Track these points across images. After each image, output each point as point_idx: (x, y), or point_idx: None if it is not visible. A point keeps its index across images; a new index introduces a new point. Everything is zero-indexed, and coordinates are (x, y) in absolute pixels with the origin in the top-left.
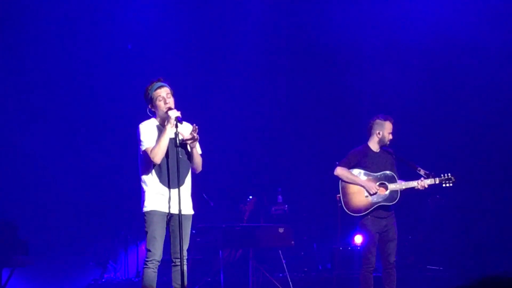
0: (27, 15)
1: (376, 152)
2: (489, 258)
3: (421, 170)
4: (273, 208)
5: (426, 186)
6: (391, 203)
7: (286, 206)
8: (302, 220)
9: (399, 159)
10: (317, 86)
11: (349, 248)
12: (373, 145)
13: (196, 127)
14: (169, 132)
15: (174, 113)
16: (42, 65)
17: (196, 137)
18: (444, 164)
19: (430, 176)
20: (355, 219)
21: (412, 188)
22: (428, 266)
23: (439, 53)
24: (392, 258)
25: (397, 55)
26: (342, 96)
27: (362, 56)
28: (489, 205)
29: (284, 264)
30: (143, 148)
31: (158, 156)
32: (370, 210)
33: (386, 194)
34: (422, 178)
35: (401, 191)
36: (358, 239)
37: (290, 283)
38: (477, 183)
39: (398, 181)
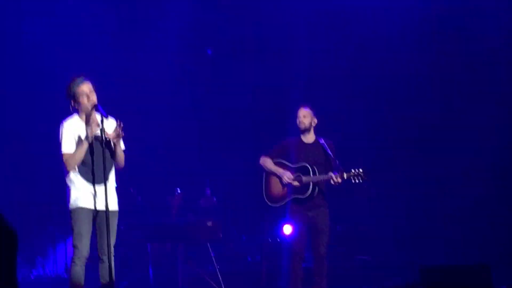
0: None
1: (306, 144)
2: (416, 247)
3: (337, 164)
4: (201, 201)
5: (338, 181)
6: (303, 196)
7: (215, 198)
8: (230, 212)
9: (332, 151)
10: (242, 75)
11: (278, 239)
12: (304, 136)
13: (122, 124)
14: (86, 146)
15: (95, 127)
16: None
17: (120, 134)
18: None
19: (342, 171)
20: (284, 210)
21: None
22: (356, 256)
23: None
24: (322, 250)
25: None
26: (269, 85)
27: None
28: (414, 193)
29: (213, 257)
30: (62, 151)
31: (71, 166)
32: (285, 201)
33: (299, 187)
34: (331, 173)
35: (316, 184)
36: (287, 229)
37: (220, 276)
38: (402, 172)
39: (312, 175)
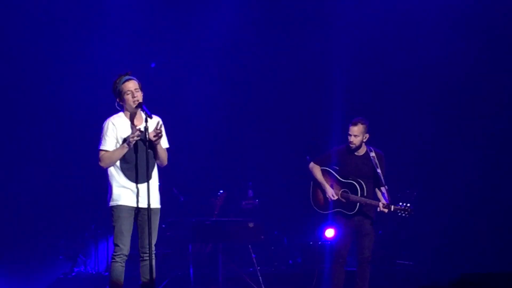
0: None
1: (356, 156)
2: (460, 253)
3: (385, 191)
4: (243, 203)
5: (384, 211)
6: (349, 213)
7: (257, 200)
8: (272, 215)
9: (381, 164)
10: (289, 80)
11: (320, 242)
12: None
13: (160, 123)
14: (125, 150)
15: (137, 134)
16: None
17: (160, 135)
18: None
19: (388, 204)
20: (327, 214)
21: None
22: (398, 261)
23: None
24: (367, 253)
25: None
26: (315, 90)
27: (342, 53)
28: (461, 201)
29: (254, 259)
30: (100, 147)
31: (105, 163)
32: (329, 212)
33: (345, 202)
34: (380, 203)
35: (360, 204)
36: (329, 233)
37: (260, 277)
38: (449, 179)
39: (360, 196)
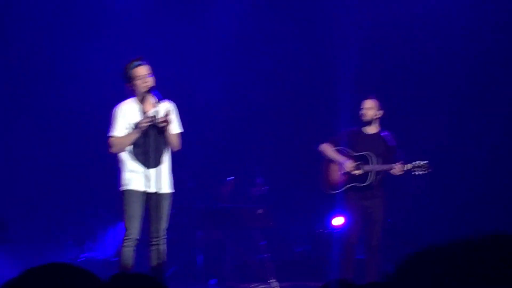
0: None
1: (368, 135)
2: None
3: (401, 155)
4: (252, 189)
5: (398, 172)
6: (361, 184)
7: (266, 187)
8: (282, 201)
9: (393, 147)
10: (299, 64)
11: (328, 230)
12: (366, 127)
13: (172, 108)
14: (135, 136)
15: (147, 120)
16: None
17: (169, 120)
18: (427, 149)
19: (403, 163)
20: (337, 200)
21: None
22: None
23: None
24: (375, 241)
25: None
26: (326, 75)
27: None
28: (470, 189)
29: (263, 246)
30: (110, 133)
31: (115, 149)
32: (342, 189)
33: (359, 174)
34: (396, 164)
35: (376, 174)
36: (337, 221)
37: (269, 264)
38: (459, 167)
39: (372, 164)
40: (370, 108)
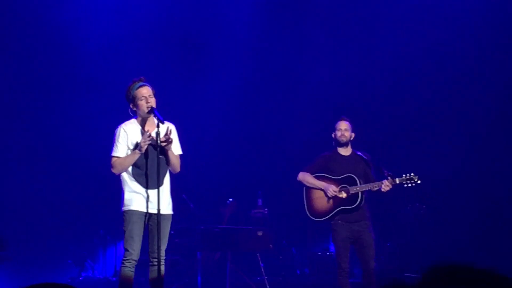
0: None
1: (344, 156)
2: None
3: (385, 172)
4: (252, 211)
5: (387, 187)
6: (351, 206)
7: (266, 209)
8: (281, 224)
9: (371, 164)
10: (299, 88)
11: (328, 253)
12: (341, 149)
13: (170, 129)
14: (137, 156)
15: (148, 139)
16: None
17: (170, 140)
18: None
19: (392, 177)
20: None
21: (386, 193)
22: (405, 274)
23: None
24: (371, 264)
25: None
26: (324, 99)
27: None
28: (467, 214)
29: (262, 268)
30: (112, 153)
31: (117, 170)
32: (331, 214)
33: (346, 198)
34: (384, 180)
35: (363, 194)
36: None
37: (268, 287)
38: (456, 191)
39: (360, 185)
40: (346, 130)
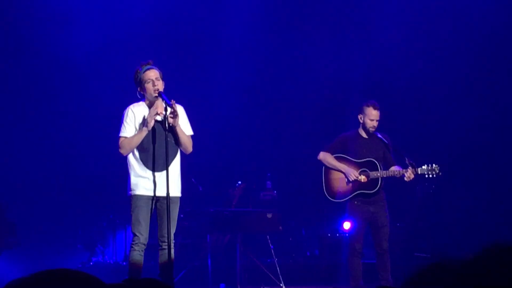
0: None
1: (365, 139)
2: (477, 247)
3: (407, 159)
4: (261, 194)
5: (411, 176)
6: (370, 191)
7: (275, 191)
8: (291, 206)
9: (391, 147)
10: (307, 71)
11: (337, 234)
12: (362, 131)
13: (173, 101)
14: (144, 133)
15: (154, 113)
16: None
17: (176, 113)
18: (434, 153)
19: (414, 166)
20: (344, 206)
21: (400, 177)
22: (415, 254)
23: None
24: (385, 244)
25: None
26: (333, 80)
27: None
28: (478, 194)
29: (272, 250)
30: (120, 134)
31: (125, 150)
32: (349, 197)
33: (366, 182)
34: (409, 168)
35: (382, 179)
36: (346, 225)
37: (278, 268)
38: (465, 172)
39: (381, 170)
40: (378, 120)
